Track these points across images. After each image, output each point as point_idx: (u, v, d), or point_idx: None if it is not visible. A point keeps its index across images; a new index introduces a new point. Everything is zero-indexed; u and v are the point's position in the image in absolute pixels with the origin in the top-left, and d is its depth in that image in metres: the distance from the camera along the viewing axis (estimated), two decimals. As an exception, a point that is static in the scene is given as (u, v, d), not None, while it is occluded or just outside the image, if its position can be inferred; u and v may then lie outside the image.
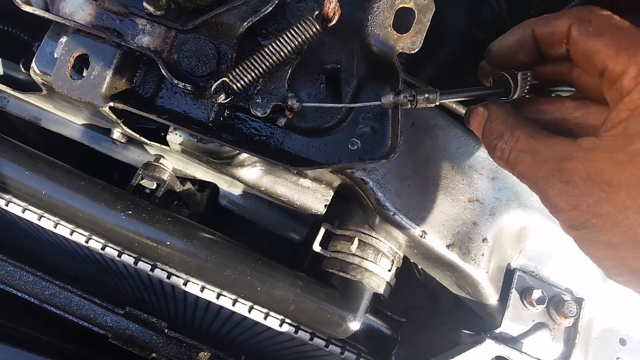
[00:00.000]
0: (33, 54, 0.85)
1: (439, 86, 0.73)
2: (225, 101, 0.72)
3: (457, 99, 0.78)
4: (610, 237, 0.55)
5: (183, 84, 0.74)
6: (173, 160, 0.99)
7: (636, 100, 0.53)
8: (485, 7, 1.45)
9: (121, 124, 0.84)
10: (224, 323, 1.03)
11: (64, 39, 0.79)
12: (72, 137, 1.03)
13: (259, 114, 0.75)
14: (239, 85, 0.72)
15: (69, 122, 1.03)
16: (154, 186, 0.91)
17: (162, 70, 0.74)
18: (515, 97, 0.69)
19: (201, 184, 1.02)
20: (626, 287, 0.60)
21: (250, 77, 0.72)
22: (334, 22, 0.73)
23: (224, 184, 1.01)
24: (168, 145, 0.84)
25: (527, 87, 0.69)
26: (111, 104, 0.74)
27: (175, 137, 0.80)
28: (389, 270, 0.90)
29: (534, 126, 0.64)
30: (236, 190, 1.01)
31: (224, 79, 0.72)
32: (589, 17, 0.60)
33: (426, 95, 0.70)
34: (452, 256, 0.83)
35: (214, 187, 1.01)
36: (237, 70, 0.72)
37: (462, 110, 0.92)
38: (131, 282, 1.01)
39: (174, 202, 0.96)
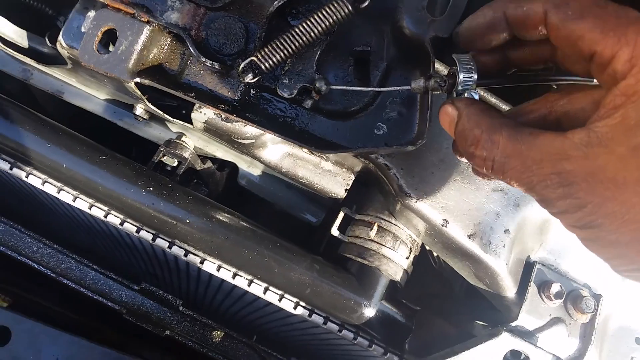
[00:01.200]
0: (58, 28, 0.84)
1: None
2: (252, 81, 0.72)
3: (497, 85, 0.76)
4: (618, 236, 0.52)
5: (211, 62, 0.74)
6: (194, 138, 0.98)
7: (633, 85, 0.49)
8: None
9: (145, 100, 0.84)
10: (235, 302, 1.04)
11: (91, 13, 0.78)
12: (95, 112, 1.02)
13: (286, 95, 0.74)
14: (267, 65, 0.71)
15: (92, 96, 1.02)
16: (175, 163, 0.90)
17: (190, 48, 0.73)
18: (460, 89, 0.63)
19: (221, 163, 1.02)
20: (635, 281, 0.58)
21: (278, 57, 0.71)
22: (366, 3, 0.71)
23: (243, 163, 1.00)
24: (191, 123, 0.84)
25: (471, 75, 0.62)
26: (138, 79, 0.74)
27: (199, 116, 0.80)
28: (407, 258, 0.90)
29: (512, 125, 0.58)
30: (255, 170, 1.00)
31: (252, 58, 0.71)
32: None
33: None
34: (473, 246, 0.82)
35: (233, 167, 1.01)
36: (266, 50, 0.71)
37: (498, 103, 0.89)
38: (145, 257, 1.01)
39: (193, 180, 0.96)
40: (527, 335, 0.88)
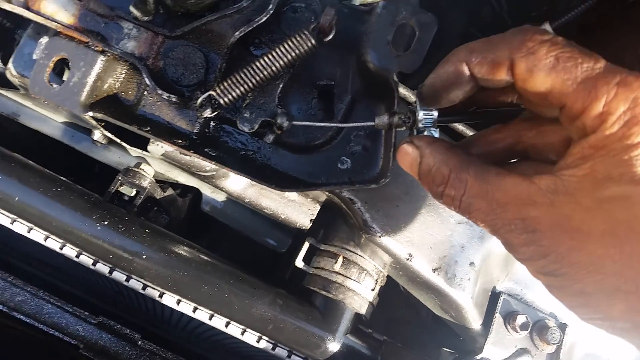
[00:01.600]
0: (13, 46, 0.80)
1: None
2: (211, 115, 0.69)
3: (457, 122, 0.75)
4: (582, 286, 0.51)
5: (167, 94, 0.71)
6: (155, 162, 0.95)
7: (602, 139, 0.48)
8: (486, 7, 1.42)
9: (101, 129, 0.80)
10: (199, 329, 1.01)
11: (44, 40, 0.74)
12: (52, 136, 0.98)
13: (246, 130, 0.72)
14: (226, 100, 0.68)
15: (50, 119, 0.98)
16: (133, 193, 0.87)
17: (146, 79, 0.70)
18: (420, 126, 0.61)
19: (183, 189, 0.99)
20: (599, 329, 0.57)
21: (238, 92, 0.69)
22: (330, 36, 0.69)
23: (207, 189, 0.97)
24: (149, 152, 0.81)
25: (431, 113, 0.61)
26: (90, 113, 0.70)
27: (156, 148, 0.77)
28: (373, 290, 0.88)
29: (479, 164, 0.57)
30: (219, 196, 0.98)
31: (211, 92, 0.68)
32: (531, 48, 0.52)
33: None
34: (438, 280, 0.81)
35: (196, 193, 0.97)
36: (225, 84, 0.68)
37: (465, 130, 0.88)
38: (104, 285, 0.97)
39: (153, 208, 0.93)
40: (492, 367, 0.87)
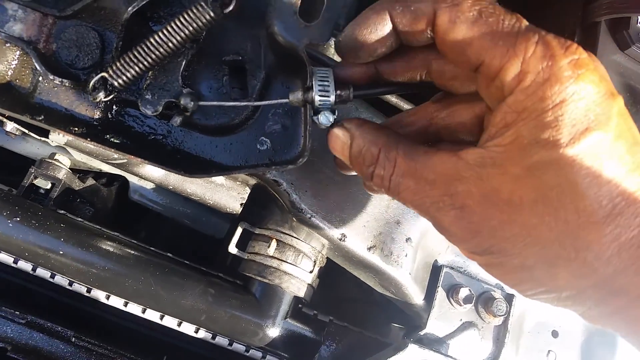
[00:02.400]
0: None
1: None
2: (106, 99, 0.64)
3: (373, 94, 0.71)
4: (522, 260, 0.49)
5: (60, 79, 0.65)
6: (76, 152, 0.89)
7: (522, 101, 0.46)
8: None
9: (5, 120, 0.74)
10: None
11: None
12: (-39, 128, 0.91)
13: (149, 113, 0.66)
14: (121, 81, 0.63)
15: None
16: (49, 186, 0.82)
17: (36, 64, 0.64)
18: (317, 106, 0.58)
19: (109, 178, 0.94)
20: (545, 302, 0.55)
21: (134, 72, 0.63)
22: (231, 7, 0.64)
23: (133, 177, 0.92)
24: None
25: (327, 96, 0.57)
26: (-24, 103, 0.64)
27: (58, 137, 0.72)
28: (311, 272, 0.85)
29: (408, 143, 0.55)
30: (148, 183, 0.93)
31: (102, 74, 0.63)
32: (457, 1, 0.50)
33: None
34: (374, 259, 0.78)
35: (123, 181, 0.92)
36: (119, 64, 0.63)
37: (391, 97, 0.84)
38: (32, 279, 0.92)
39: (76, 199, 0.88)
40: (437, 343, 0.85)
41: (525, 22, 0.49)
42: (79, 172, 0.89)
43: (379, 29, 0.55)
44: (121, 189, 0.92)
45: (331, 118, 0.57)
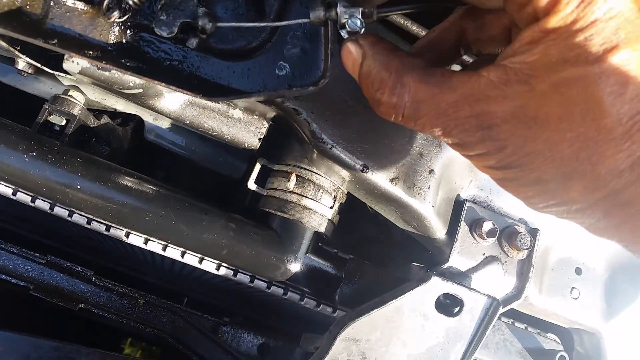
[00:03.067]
0: None
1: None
2: (121, 20, 0.61)
3: (399, 12, 0.68)
4: (540, 174, 0.50)
5: (73, 1, 0.62)
6: (89, 90, 0.87)
7: (554, 22, 0.46)
8: None
9: (17, 52, 0.72)
10: (157, 264, 0.97)
11: None
12: (-28, 69, 0.90)
13: (164, 34, 0.64)
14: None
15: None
16: (64, 122, 0.80)
17: (44, -16, 0.62)
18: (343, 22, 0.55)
19: (124, 117, 0.92)
20: (553, 215, 0.56)
21: (148, -11, 0.60)
22: None
23: (149, 116, 0.90)
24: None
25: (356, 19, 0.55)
26: (-14, 27, 0.62)
27: (72, 66, 0.69)
28: (331, 207, 0.83)
29: (423, 66, 0.54)
30: (164, 122, 0.91)
31: (117, -8, 0.60)
32: None
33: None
34: (396, 190, 0.76)
35: (138, 121, 0.91)
36: (133, -19, 0.60)
37: (412, 27, 0.81)
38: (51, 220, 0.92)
39: (92, 139, 0.86)
40: (459, 277, 0.84)
41: None
42: (94, 111, 0.87)
43: None
44: (137, 129, 0.90)
45: (358, 23, 0.54)
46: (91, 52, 0.63)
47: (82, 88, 0.87)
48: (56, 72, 0.77)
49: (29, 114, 0.91)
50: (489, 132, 0.50)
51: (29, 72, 0.86)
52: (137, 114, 0.89)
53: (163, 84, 0.62)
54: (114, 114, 0.90)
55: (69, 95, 0.81)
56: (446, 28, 0.62)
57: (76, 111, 0.80)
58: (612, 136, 0.47)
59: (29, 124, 0.82)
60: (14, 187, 0.78)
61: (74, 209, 0.78)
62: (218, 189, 1.03)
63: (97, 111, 0.88)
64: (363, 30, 0.56)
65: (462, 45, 0.62)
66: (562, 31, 0.46)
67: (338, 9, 0.56)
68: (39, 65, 0.76)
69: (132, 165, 0.84)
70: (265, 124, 0.83)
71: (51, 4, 0.66)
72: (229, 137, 0.82)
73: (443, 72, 0.53)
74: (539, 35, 0.47)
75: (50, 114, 0.80)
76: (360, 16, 0.56)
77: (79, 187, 0.74)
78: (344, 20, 0.56)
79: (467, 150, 0.54)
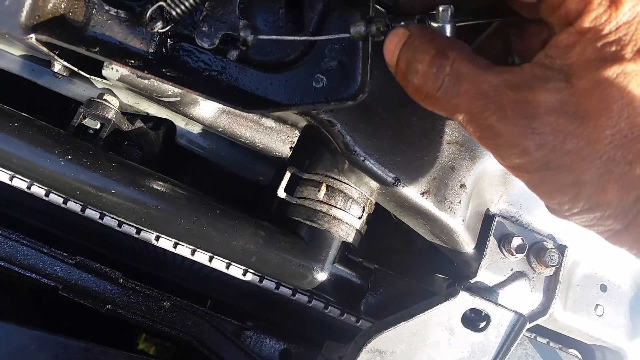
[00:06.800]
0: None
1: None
2: (163, 30, 0.62)
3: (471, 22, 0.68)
4: (578, 175, 0.49)
5: (115, 10, 0.63)
6: (123, 94, 0.88)
7: (587, 23, 0.47)
8: None
9: (56, 57, 0.73)
10: (183, 267, 0.98)
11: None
12: (10, 70, 0.90)
13: (206, 45, 0.64)
14: (179, 10, 0.61)
15: (6, 52, 0.90)
16: (98, 126, 0.81)
17: (89, -7, 0.63)
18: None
19: (156, 121, 0.92)
20: (581, 223, 0.54)
21: (192, 1, 0.61)
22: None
23: (181, 121, 0.91)
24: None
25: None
26: (32, 35, 0.63)
27: (112, 73, 0.70)
28: (360, 218, 0.84)
29: (469, 49, 0.53)
30: (195, 128, 0.91)
31: (160, 3, 0.60)
32: None
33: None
34: (427, 204, 0.76)
35: (170, 125, 0.91)
36: (177, -7, 0.60)
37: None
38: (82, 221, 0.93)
39: (124, 142, 0.87)
40: (487, 292, 0.83)
41: None
42: (127, 114, 0.88)
43: None
44: (168, 133, 0.91)
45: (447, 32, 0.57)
46: (132, 61, 0.64)
47: (115, 91, 0.87)
48: (94, 78, 0.78)
49: (62, 114, 0.93)
50: (531, 123, 0.49)
51: (64, 74, 0.87)
52: (169, 118, 0.90)
53: (205, 95, 0.62)
54: (146, 117, 0.91)
55: (104, 99, 0.82)
56: (492, 34, 0.64)
57: (111, 115, 0.81)
58: None
59: (61, 124, 0.83)
60: (47, 188, 0.80)
61: (105, 212, 0.79)
62: (244, 193, 1.04)
63: (130, 114, 0.89)
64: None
65: (506, 54, 0.63)
66: (596, 31, 0.47)
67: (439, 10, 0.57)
68: (76, 69, 0.77)
69: (161, 169, 0.85)
70: (297, 133, 0.83)
71: (93, 11, 0.67)
72: (261, 145, 0.82)
73: (487, 60, 0.53)
74: (575, 37, 0.48)
75: (85, 118, 0.81)
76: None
77: (113, 191, 0.75)
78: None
79: (504, 147, 0.51)
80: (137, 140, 0.87)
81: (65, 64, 0.76)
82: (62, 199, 0.80)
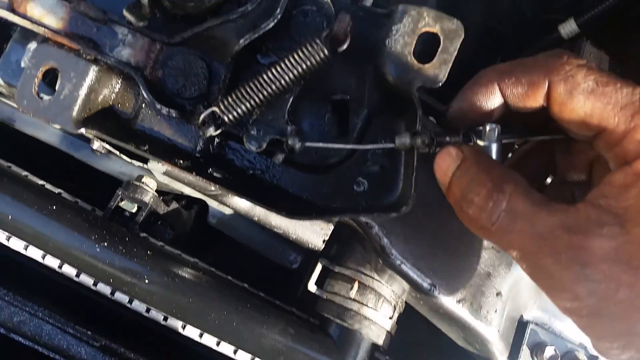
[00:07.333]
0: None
1: (455, 82, 0.62)
2: (215, 134, 0.62)
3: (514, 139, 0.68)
4: (629, 326, 0.48)
5: (167, 109, 0.64)
6: (158, 173, 0.89)
7: None
8: (504, -1, 1.34)
9: (99, 142, 0.75)
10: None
11: (32, 46, 0.69)
12: (49, 143, 0.92)
13: (254, 149, 0.65)
14: (231, 117, 0.62)
15: (47, 125, 0.92)
16: (135, 209, 0.81)
17: (143, 92, 0.64)
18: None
19: (189, 200, 0.93)
20: None
21: (244, 108, 0.62)
22: (345, 45, 0.62)
23: (213, 202, 0.91)
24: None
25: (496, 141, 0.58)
26: (83, 130, 0.64)
27: (158, 167, 0.71)
28: (390, 318, 0.82)
29: (525, 183, 0.52)
30: (227, 209, 0.91)
31: (213, 108, 0.62)
32: (569, 71, 0.50)
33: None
34: (463, 312, 0.74)
35: (202, 205, 0.91)
36: (230, 99, 0.61)
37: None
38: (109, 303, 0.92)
39: (157, 222, 0.87)
40: (518, 401, 0.80)
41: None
42: (162, 193, 0.88)
43: (488, 102, 0.55)
44: (200, 213, 0.91)
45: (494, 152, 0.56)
46: (181, 162, 0.64)
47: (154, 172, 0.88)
48: (134, 162, 0.79)
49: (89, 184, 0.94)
50: (584, 270, 0.47)
51: (102, 151, 0.88)
52: (202, 198, 0.90)
53: (248, 199, 0.62)
54: (179, 196, 0.91)
55: (142, 182, 0.83)
56: (535, 149, 0.64)
57: (148, 199, 0.82)
58: None
59: (93, 194, 0.83)
60: (79, 270, 0.79)
61: (136, 298, 0.78)
62: (271, 273, 1.03)
63: (165, 193, 0.90)
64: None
65: (549, 167, 0.63)
66: None
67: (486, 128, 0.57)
68: (118, 154, 0.78)
69: (191, 246, 0.85)
70: (331, 227, 0.83)
71: (142, 105, 0.69)
72: (294, 237, 0.82)
73: (542, 196, 0.51)
74: (632, 178, 0.47)
75: (122, 200, 0.81)
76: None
77: (147, 280, 0.74)
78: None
79: (556, 289, 0.51)
80: (170, 220, 0.87)
81: (110, 148, 0.77)
82: (92, 281, 0.79)
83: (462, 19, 1.40)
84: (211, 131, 0.62)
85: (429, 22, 0.62)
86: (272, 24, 0.63)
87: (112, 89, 0.68)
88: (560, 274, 0.49)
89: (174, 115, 0.65)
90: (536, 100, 0.53)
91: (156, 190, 0.88)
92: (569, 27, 1.12)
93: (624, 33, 1.10)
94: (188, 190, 0.90)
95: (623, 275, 0.46)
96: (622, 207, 0.47)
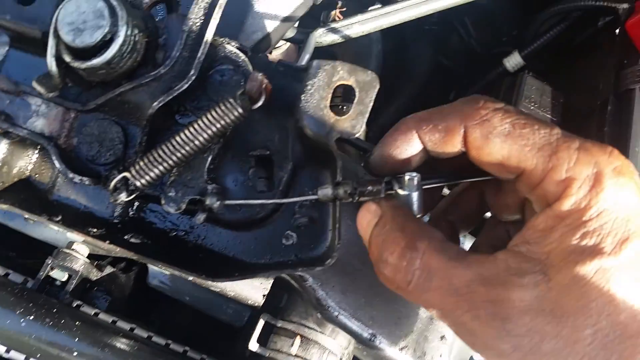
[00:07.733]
0: None
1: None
2: (127, 199, 0.61)
3: (436, 184, 0.68)
4: None
5: (80, 177, 0.63)
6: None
7: (568, 207, 0.46)
8: (453, 35, 1.37)
9: (23, 213, 0.72)
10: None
11: (-59, 121, 0.67)
12: (-19, 214, 0.89)
13: (172, 210, 0.63)
14: (143, 182, 0.60)
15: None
16: (65, 277, 0.78)
17: (55, 162, 0.62)
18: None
19: (128, 263, 0.90)
20: None
21: (157, 172, 0.60)
22: (260, 102, 0.62)
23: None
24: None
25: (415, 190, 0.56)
26: (-4, 204, 0.62)
27: (76, 236, 0.68)
28: (337, 371, 0.79)
29: (439, 236, 0.51)
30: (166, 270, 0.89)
31: (125, 174, 0.60)
32: (485, 115, 0.50)
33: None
34: (406, 360, 0.72)
35: (142, 266, 0.89)
36: (142, 164, 0.60)
37: None
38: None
39: (92, 288, 0.84)
40: None
41: (559, 129, 0.49)
42: (97, 257, 0.85)
43: (407, 149, 0.55)
44: (139, 275, 0.88)
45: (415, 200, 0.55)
46: (95, 230, 0.62)
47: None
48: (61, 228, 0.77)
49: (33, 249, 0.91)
50: (506, 325, 0.45)
51: (35, 220, 0.85)
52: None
53: (167, 266, 0.61)
54: (117, 258, 0.89)
55: (73, 249, 0.80)
56: (467, 191, 0.64)
57: (78, 266, 0.79)
58: (629, 334, 0.44)
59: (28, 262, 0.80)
60: (7, 346, 0.75)
61: (67, 373, 0.74)
62: (218, 333, 0.99)
63: (101, 257, 0.87)
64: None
65: (483, 207, 0.63)
66: (575, 217, 0.45)
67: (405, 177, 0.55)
68: (46, 221, 0.76)
69: (131, 311, 0.82)
70: (270, 280, 0.81)
71: (59, 174, 0.67)
72: (232, 294, 0.80)
73: (459, 249, 0.50)
74: (553, 221, 0.46)
75: (52, 269, 0.78)
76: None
77: (75, 353, 0.71)
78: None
79: (479, 347, 0.49)
80: (106, 285, 0.84)
81: (34, 217, 0.74)
82: (23, 357, 0.76)
83: (413, 56, 1.42)
84: (122, 197, 0.60)
85: (343, 75, 0.62)
86: (186, 86, 0.63)
87: (28, 160, 0.67)
88: (481, 330, 0.47)
89: (87, 182, 0.63)
90: (454, 146, 0.53)
91: (91, 255, 0.85)
92: (513, 60, 1.14)
93: (571, 61, 1.13)
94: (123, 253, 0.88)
95: (547, 327, 0.45)
96: (544, 252, 0.46)
